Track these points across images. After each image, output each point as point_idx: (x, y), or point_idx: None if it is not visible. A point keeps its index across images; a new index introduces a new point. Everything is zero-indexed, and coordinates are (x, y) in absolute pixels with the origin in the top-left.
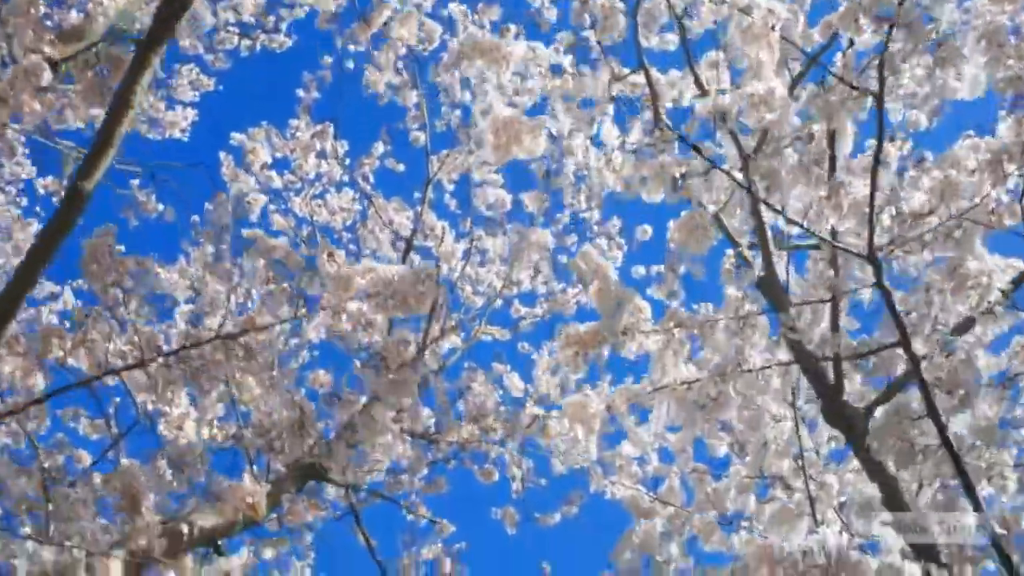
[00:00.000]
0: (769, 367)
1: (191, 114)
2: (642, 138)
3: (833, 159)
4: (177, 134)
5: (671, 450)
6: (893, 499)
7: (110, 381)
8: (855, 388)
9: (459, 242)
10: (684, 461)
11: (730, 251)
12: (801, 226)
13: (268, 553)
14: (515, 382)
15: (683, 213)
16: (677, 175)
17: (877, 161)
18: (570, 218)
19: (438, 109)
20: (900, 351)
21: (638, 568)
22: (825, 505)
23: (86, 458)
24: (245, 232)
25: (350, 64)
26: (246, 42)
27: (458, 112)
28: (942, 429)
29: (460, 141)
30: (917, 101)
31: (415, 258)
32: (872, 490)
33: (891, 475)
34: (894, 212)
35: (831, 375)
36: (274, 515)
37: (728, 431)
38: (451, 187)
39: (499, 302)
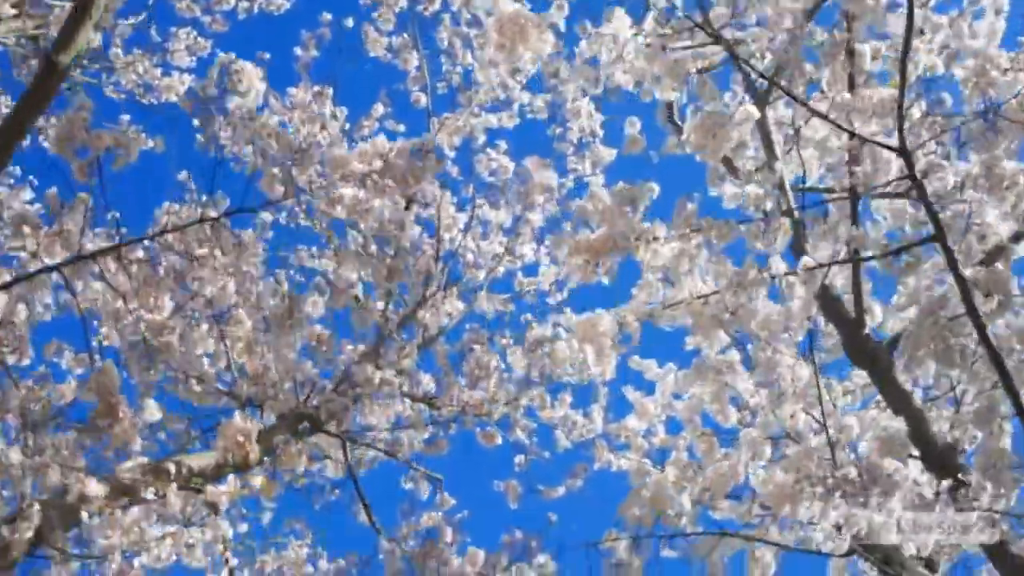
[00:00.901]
0: (793, 273)
1: (187, 79)
2: (656, 29)
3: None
4: (173, 98)
5: (679, 419)
6: (919, 432)
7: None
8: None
9: (462, 212)
10: (692, 431)
11: (752, 152)
12: (824, 117)
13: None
14: (518, 357)
15: (699, 114)
16: (693, 70)
17: (907, 51)
18: (573, 182)
19: (439, 70)
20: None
21: (648, 524)
22: (846, 449)
23: (69, 392)
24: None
25: (349, 22)
26: (244, 4)
27: (459, 70)
28: (981, 328)
29: (461, 105)
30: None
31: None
32: (899, 424)
33: (917, 408)
34: (924, 108)
35: (851, 311)
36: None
37: (738, 405)
38: (452, 154)
39: (501, 270)
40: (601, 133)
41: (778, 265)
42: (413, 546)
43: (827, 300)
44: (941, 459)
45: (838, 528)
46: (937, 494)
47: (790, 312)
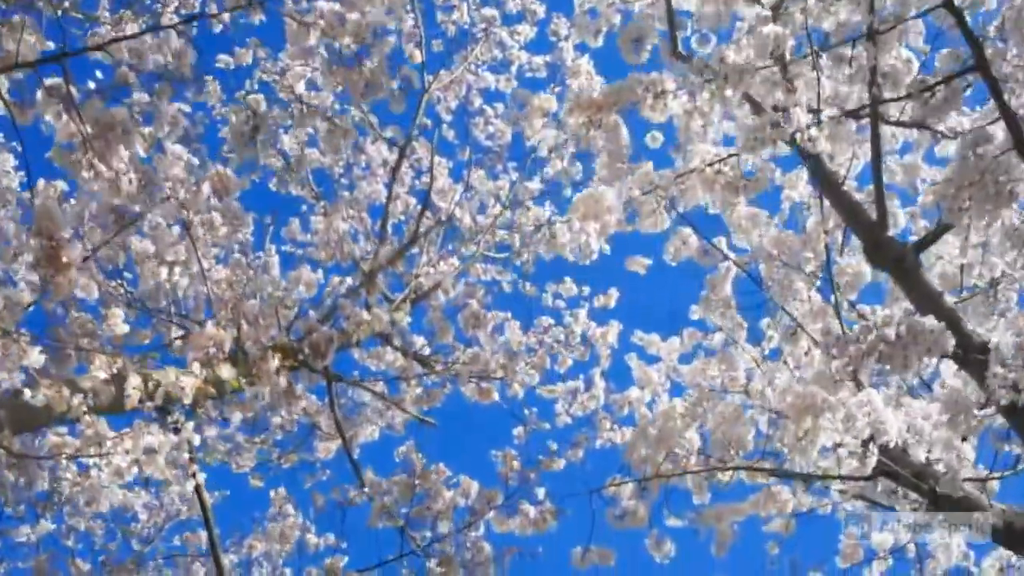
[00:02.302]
0: (817, 124)
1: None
2: None
3: None
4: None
5: (683, 384)
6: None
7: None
8: None
9: (458, 184)
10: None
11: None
12: None
13: (236, 416)
14: (515, 331)
15: None
16: None
17: None
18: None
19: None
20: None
21: (657, 462)
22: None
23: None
24: None
25: None
26: None
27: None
28: None
29: (456, 62)
30: None
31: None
32: (930, 320)
33: (948, 307)
34: None
35: (872, 213)
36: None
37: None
38: (449, 117)
39: (501, 233)
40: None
41: (800, 117)
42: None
43: (846, 203)
44: (977, 357)
45: (865, 444)
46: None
47: (807, 237)
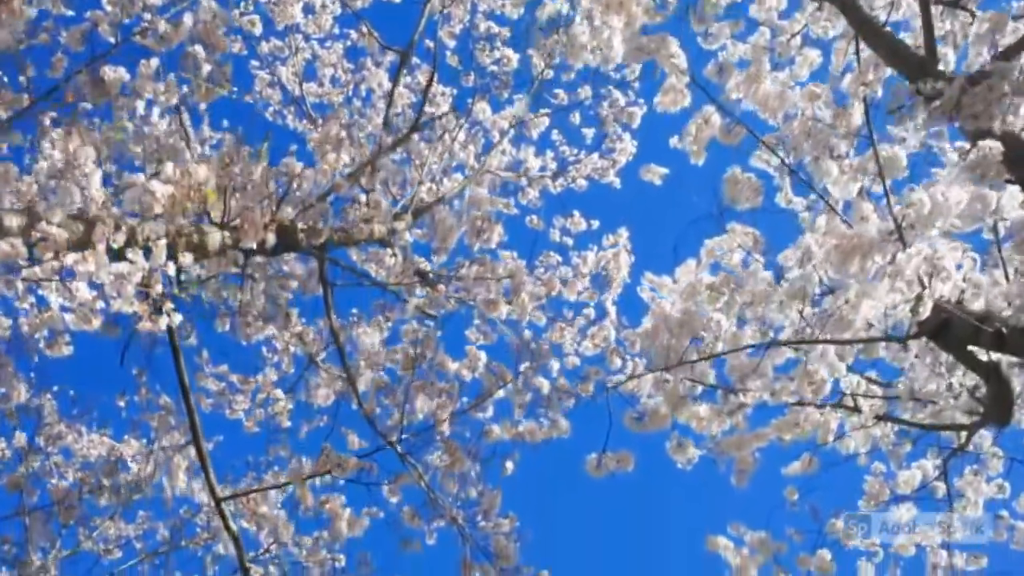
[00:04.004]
0: None
1: None
2: None
3: None
4: None
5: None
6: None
7: None
8: None
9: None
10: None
11: None
12: None
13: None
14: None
15: None
16: None
17: None
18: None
19: None
20: None
21: (679, 349)
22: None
23: None
24: None
25: None
26: None
27: None
28: None
29: None
30: None
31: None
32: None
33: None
34: None
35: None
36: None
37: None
38: (452, 43)
39: (505, 146)
40: None
41: None
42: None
43: (887, 42)
44: None
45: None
46: None
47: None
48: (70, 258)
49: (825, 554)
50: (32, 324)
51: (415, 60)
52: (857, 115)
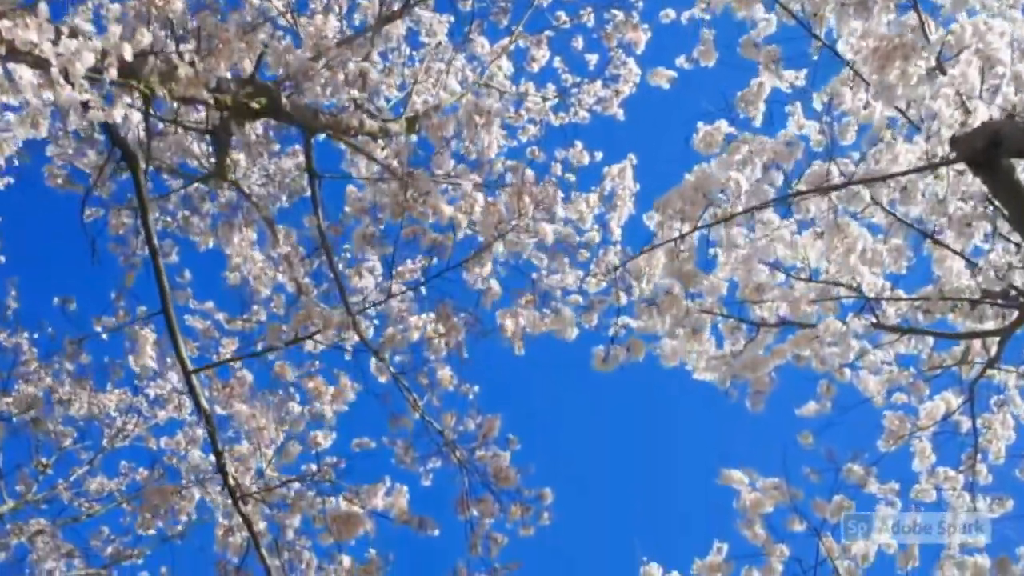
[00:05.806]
0: None
1: None
2: None
3: None
4: None
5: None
6: None
7: None
8: None
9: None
10: None
11: None
12: None
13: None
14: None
15: None
16: None
17: None
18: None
19: None
20: None
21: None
22: None
23: None
24: None
25: None
26: None
27: None
28: None
29: None
30: None
31: None
32: None
33: None
34: None
35: None
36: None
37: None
38: None
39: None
40: None
41: None
42: None
43: None
44: None
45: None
46: None
47: None
48: (3, 23)
49: (842, 500)
50: None
51: None
52: None
